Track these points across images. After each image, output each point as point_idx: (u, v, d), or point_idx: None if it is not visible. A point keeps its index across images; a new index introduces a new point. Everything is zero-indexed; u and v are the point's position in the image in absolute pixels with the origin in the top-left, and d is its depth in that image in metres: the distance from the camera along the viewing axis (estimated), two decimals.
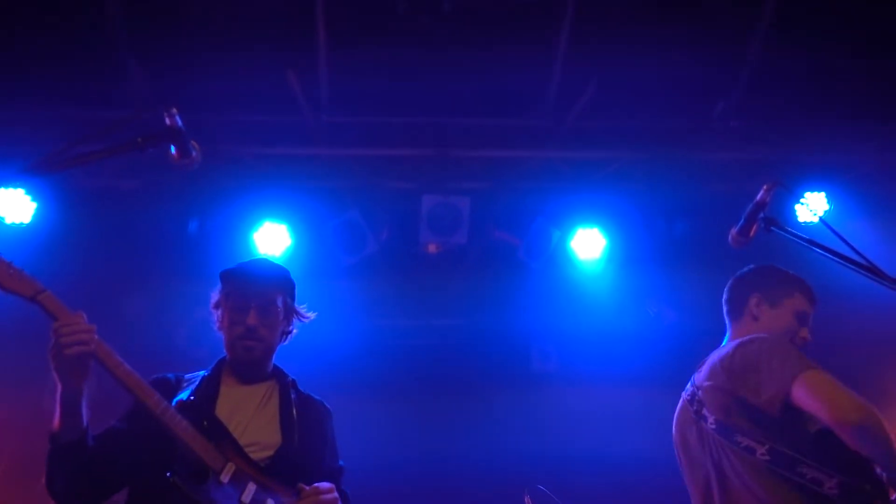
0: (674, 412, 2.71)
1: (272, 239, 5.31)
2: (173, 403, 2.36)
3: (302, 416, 2.59)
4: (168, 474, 2.22)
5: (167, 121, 2.12)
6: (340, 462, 2.76)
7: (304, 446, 2.52)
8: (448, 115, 5.09)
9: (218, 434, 2.37)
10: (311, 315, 2.76)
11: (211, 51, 4.53)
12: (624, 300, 6.05)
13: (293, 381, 2.72)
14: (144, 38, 4.51)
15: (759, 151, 5.41)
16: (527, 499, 4.53)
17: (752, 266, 2.87)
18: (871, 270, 1.91)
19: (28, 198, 4.95)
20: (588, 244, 5.66)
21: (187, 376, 2.63)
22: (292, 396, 2.63)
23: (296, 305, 2.72)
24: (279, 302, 2.60)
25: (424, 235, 5.39)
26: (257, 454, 2.41)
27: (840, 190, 5.37)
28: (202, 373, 2.62)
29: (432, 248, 5.56)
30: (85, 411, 2.19)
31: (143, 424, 2.32)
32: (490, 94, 4.94)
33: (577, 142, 5.32)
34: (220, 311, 2.62)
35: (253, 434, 2.46)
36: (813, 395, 2.21)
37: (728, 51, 4.82)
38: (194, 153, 2.20)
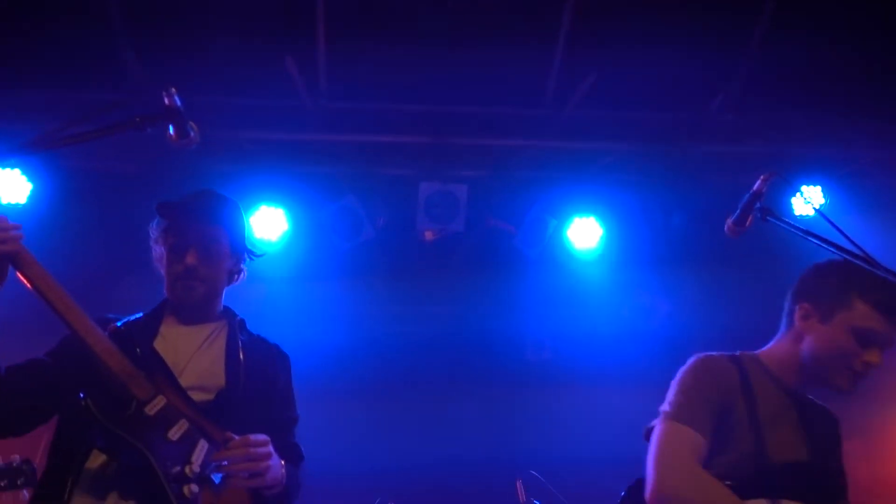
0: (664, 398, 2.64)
1: (269, 223, 5.31)
2: (107, 331, 2.21)
3: (251, 359, 2.40)
4: (81, 395, 2.04)
5: (166, 100, 2.10)
6: (296, 412, 2.58)
7: (250, 391, 2.33)
8: (447, 102, 5.08)
9: (152, 364, 2.19)
10: (261, 254, 2.59)
11: (209, 35, 4.51)
12: (619, 291, 6.07)
13: (242, 321, 2.53)
14: (142, 22, 4.48)
15: (756, 145, 5.42)
16: (519, 484, 4.57)
17: (826, 260, 2.30)
18: (868, 262, 1.91)
19: (24, 178, 4.94)
20: (584, 234, 5.67)
21: (131, 318, 2.45)
22: (241, 338, 2.45)
23: (246, 243, 2.53)
24: (224, 239, 2.43)
25: (421, 222, 5.40)
26: (197, 396, 2.24)
27: (836, 184, 5.39)
28: (139, 314, 2.46)
29: (429, 236, 5.56)
30: None
31: (70, 353, 2.20)
32: (489, 83, 4.93)
33: (575, 132, 5.31)
34: (159, 248, 2.45)
35: (193, 375, 2.29)
36: (653, 443, 2.12)
37: (727, 44, 4.82)
38: (192, 133, 2.18)
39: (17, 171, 4.90)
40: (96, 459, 2.14)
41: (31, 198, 4.97)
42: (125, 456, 2.07)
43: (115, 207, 5.17)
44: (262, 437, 2.16)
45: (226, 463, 2.08)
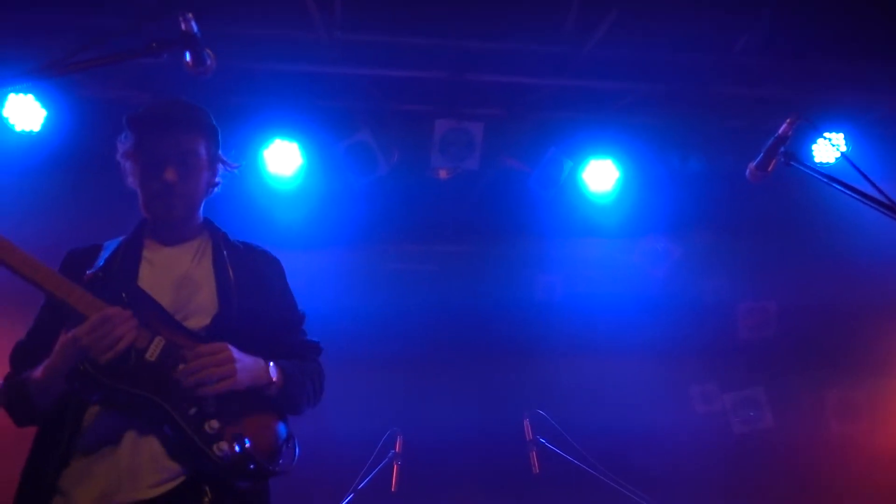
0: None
1: (283, 157, 5.28)
2: (85, 279, 2.13)
3: (240, 273, 2.31)
4: (80, 366, 1.97)
5: (182, 26, 2.05)
6: (298, 311, 2.51)
7: (246, 306, 2.26)
8: (465, 38, 4.97)
9: (140, 306, 2.07)
10: (236, 165, 2.47)
11: None
12: (633, 234, 6.05)
13: (224, 234, 2.44)
14: None
15: (778, 89, 5.32)
16: (526, 423, 4.64)
17: None
18: (892, 208, 1.88)
19: (38, 105, 4.90)
20: (600, 176, 5.62)
21: (106, 243, 2.34)
22: (226, 253, 2.35)
23: (220, 152, 2.41)
24: (201, 150, 2.30)
25: (436, 160, 5.35)
26: (193, 322, 2.17)
27: (860, 131, 5.30)
28: (119, 239, 2.35)
29: (443, 174, 5.52)
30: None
31: (54, 321, 2.14)
32: (508, 18, 4.81)
33: (595, 71, 5.21)
34: (130, 163, 2.30)
35: (185, 301, 2.20)
36: None
37: None
38: (209, 61, 2.13)
39: (30, 97, 4.87)
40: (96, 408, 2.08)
41: (45, 125, 4.94)
42: (138, 408, 2.02)
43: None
44: (217, 345, 2.09)
45: (188, 376, 2.02)
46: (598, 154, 5.58)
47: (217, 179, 2.42)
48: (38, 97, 4.88)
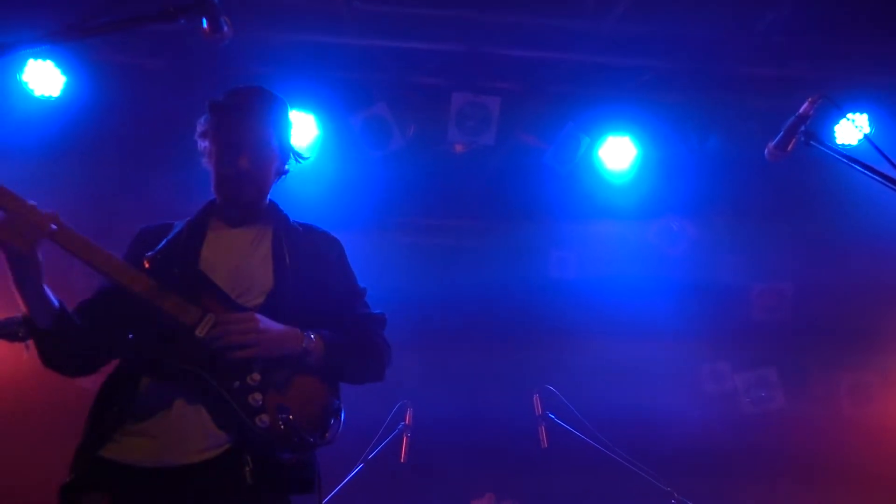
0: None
1: (298, 128, 5.27)
2: (145, 259, 2.21)
3: (298, 254, 2.39)
4: (130, 336, 2.15)
5: None
6: (358, 287, 2.58)
7: (301, 285, 2.33)
8: (483, 9, 4.92)
9: (194, 284, 2.20)
10: (307, 156, 2.62)
11: None
12: (649, 214, 6.02)
13: (286, 216, 2.52)
14: None
15: (802, 68, 5.24)
16: (536, 398, 4.65)
17: None
18: None
19: (58, 71, 4.91)
20: (617, 153, 5.58)
21: (177, 223, 2.44)
22: (284, 234, 2.44)
23: (292, 144, 2.54)
24: (273, 140, 2.43)
25: (452, 134, 5.33)
26: (249, 301, 2.25)
27: (885, 112, 5.22)
28: (183, 222, 2.44)
29: (459, 148, 5.50)
30: (51, 293, 2.12)
31: (112, 295, 2.24)
32: None
33: (615, 47, 5.15)
34: (207, 143, 2.42)
35: (243, 279, 2.29)
36: None
37: None
38: (226, 28, 2.12)
39: (49, 62, 4.88)
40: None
41: (64, 91, 4.95)
42: (187, 381, 2.12)
43: (147, 102, 5.15)
44: (245, 314, 2.17)
45: (213, 341, 2.11)
46: (615, 131, 5.53)
47: (286, 168, 2.53)
48: (58, 63, 4.89)
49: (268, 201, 2.51)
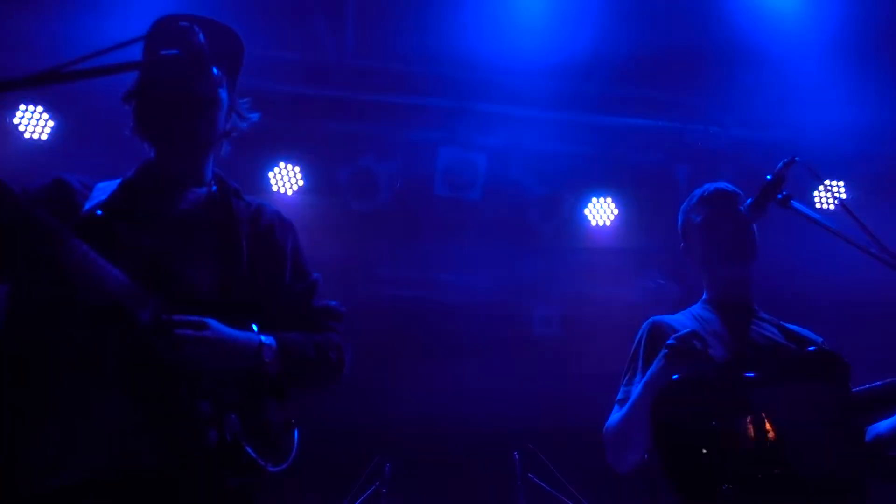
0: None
1: (285, 178, 5.31)
2: (79, 217, 1.89)
3: (249, 235, 2.14)
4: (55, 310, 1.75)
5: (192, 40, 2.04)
6: (313, 275, 2.30)
7: (254, 272, 2.07)
8: (472, 69, 5.02)
9: (143, 265, 1.86)
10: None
11: None
12: (630, 272, 6.05)
13: (236, 189, 2.25)
14: None
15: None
16: (515, 456, 4.60)
17: None
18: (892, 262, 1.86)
19: (46, 115, 4.94)
20: (601, 212, 5.64)
21: (100, 185, 2.07)
22: (235, 212, 2.16)
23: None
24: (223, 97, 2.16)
25: (439, 188, 5.37)
26: (195, 288, 1.96)
27: (860, 180, 5.33)
28: (117, 181, 2.09)
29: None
30: None
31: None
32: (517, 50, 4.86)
33: (604, 108, 5.28)
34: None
35: (189, 262, 1.98)
36: None
37: None
38: (217, 75, 2.14)
39: (39, 108, 4.91)
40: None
41: (52, 135, 4.98)
42: (116, 376, 1.78)
43: (136, 147, 5.15)
44: (197, 321, 1.86)
45: (165, 343, 1.81)
46: (599, 191, 5.61)
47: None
48: (47, 108, 4.93)
49: (213, 172, 2.24)
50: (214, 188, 2.19)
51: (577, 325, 6.32)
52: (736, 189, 2.58)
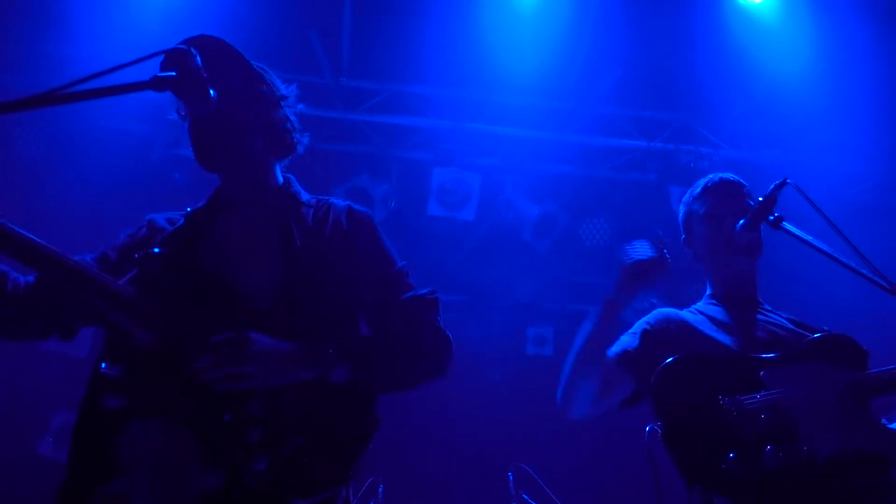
0: None
1: None
2: (142, 257, 1.87)
3: (311, 234, 2.06)
4: (103, 366, 1.73)
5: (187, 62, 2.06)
6: (397, 265, 2.12)
7: (317, 273, 1.97)
8: (467, 88, 5.06)
9: (200, 290, 1.84)
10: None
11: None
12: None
13: (294, 194, 2.21)
14: None
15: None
16: (510, 476, 4.57)
17: None
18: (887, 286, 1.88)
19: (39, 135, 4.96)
20: (595, 231, 5.66)
21: (179, 214, 2.14)
22: (302, 212, 2.12)
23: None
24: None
25: (433, 208, 5.38)
26: (257, 299, 1.90)
27: (852, 200, 5.37)
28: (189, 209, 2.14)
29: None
30: None
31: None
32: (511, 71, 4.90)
33: (593, 129, 5.31)
34: None
35: (248, 275, 1.94)
36: None
37: None
38: (212, 94, 2.14)
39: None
40: None
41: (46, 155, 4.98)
42: (169, 415, 1.76)
43: (130, 168, 5.17)
44: (237, 337, 1.79)
45: (196, 374, 1.76)
46: (593, 211, 5.63)
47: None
48: (39, 128, 4.95)
49: (284, 178, 2.25)
50: (278, 198, 2.17)
51: (571, 344, 6.31)
52: (741, 179, 2.48)
